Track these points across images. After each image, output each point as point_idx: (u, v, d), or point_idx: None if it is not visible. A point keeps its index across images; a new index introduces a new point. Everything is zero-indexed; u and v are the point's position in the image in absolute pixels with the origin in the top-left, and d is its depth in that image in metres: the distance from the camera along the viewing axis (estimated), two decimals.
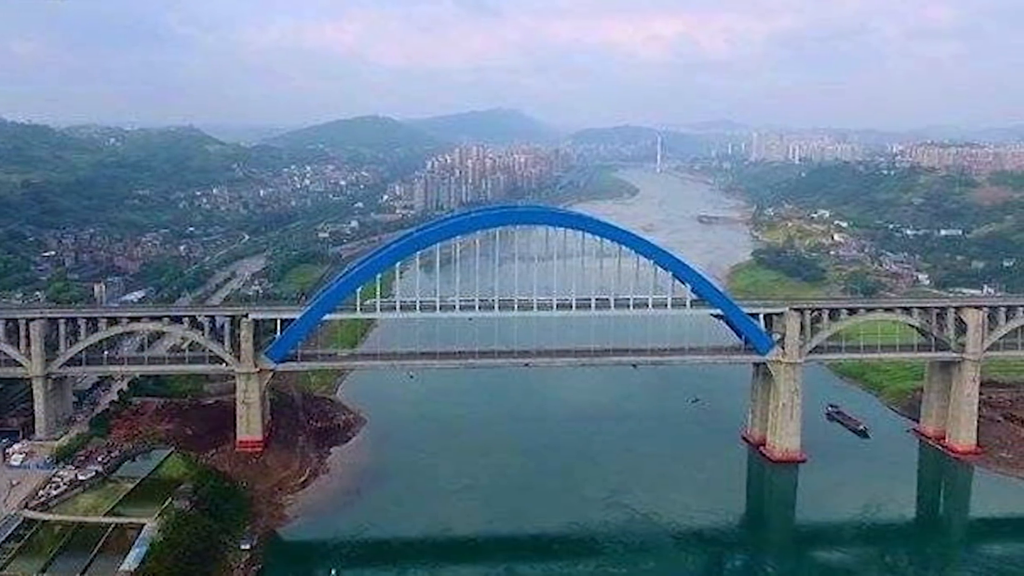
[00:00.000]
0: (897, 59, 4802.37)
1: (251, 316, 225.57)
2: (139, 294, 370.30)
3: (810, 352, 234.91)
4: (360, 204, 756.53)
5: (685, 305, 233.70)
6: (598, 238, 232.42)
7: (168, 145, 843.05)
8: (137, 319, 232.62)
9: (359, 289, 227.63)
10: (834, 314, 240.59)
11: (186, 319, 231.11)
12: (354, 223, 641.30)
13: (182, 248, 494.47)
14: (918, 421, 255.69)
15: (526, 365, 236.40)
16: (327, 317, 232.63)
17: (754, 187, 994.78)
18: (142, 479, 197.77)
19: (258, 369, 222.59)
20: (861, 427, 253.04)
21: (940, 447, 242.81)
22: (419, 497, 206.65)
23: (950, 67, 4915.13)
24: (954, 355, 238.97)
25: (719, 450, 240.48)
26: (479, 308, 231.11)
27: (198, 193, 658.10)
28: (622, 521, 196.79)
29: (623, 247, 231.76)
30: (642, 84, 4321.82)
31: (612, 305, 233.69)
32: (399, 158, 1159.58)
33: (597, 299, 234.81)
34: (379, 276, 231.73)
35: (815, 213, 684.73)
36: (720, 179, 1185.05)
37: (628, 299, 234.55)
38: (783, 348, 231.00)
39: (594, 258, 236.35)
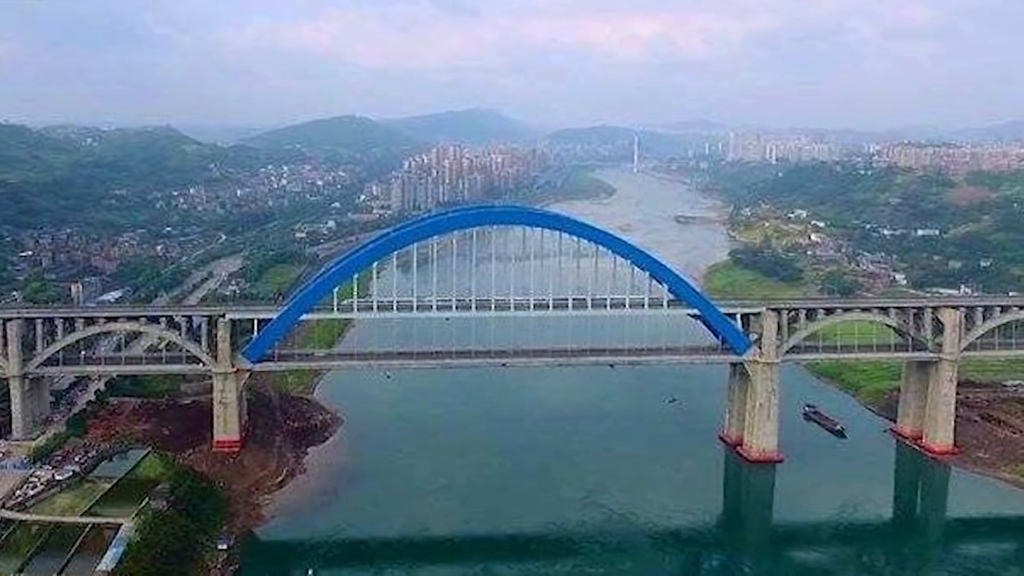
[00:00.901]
0: (874, 59, 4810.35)
1: (228, 316, 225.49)
2: (116, 294, 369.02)
3: (787, 352, 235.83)
4: (337, 204, 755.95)
5: (662, 305, 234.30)
6: (575, 238, 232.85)
7: (145, 145, 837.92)
8: (114, 319, 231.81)
9: (336, 289, 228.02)
10: (811, 314, 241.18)
11: (163, 319, 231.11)
12: (331, 223, 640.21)
13: (159, 248, 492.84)
14: (895, 421, 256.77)
15: (503, 365, 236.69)
16: (304, 317, 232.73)
17: (731, 187, 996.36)
18: (119, 479, 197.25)
19: (235, 369, 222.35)
20: (838, 427, 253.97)
21: (917, 447, 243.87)
22: (396, 497, 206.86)
23: (927, 67, 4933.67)
24: (931, 355, 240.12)
25: (696, 450, 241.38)
26: (456, 308, 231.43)
27: (175, 193, 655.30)
28: (599, 521, 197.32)
29: (600, 247, 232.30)
30: (619, 84, 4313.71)
31: (589, 305, 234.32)
32: (376, 158, 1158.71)
33: (574, 299, 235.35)
34: (356, 276, 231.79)
35: (792, 213, 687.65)
36: (697, 179, 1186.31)
37: (605, 299, 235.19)
38: (760, 348, 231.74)
39: (571, 258, 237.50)
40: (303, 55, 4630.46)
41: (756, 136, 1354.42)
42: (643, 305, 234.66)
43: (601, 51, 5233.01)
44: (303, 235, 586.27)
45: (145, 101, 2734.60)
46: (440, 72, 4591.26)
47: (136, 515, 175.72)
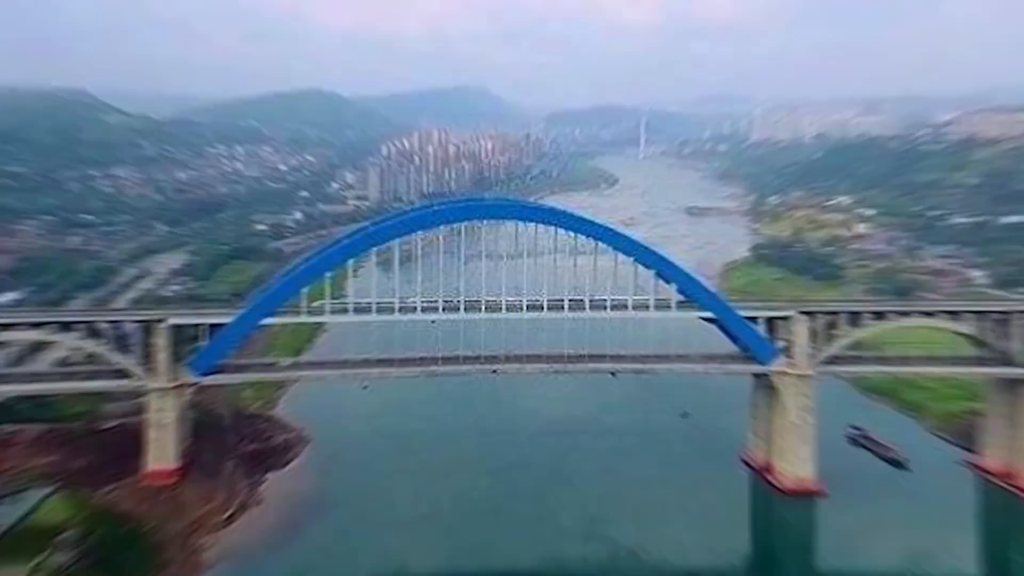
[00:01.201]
0: (952, 1, 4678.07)
1: (170, 321, 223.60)
2: (13, 295, 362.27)
3: (825, 363, 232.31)
4: (305, 193, 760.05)
5: (670, 307, 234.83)
6: (572, 234, 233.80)
7: (50, 111, 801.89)
8: (9, 326, 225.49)
9: (305, 290, 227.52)
10: (855, 319, 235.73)
11: (81, 326, 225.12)
12: (298, 215, 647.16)
13: (75, 240, 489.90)
14: (974, 452, 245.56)
15: (494, 372, 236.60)
16: (266, 321, 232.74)
17: (755, 172, 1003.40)
18: (10, 527, 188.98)
19: (177, 383, 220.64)
20: (896, 456, 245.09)
21: (1009, 486, 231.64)
22: (369, 529, 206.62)
23: None
24: (1020, 372, 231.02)
25: (715, 475, 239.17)
26: (443, 310, 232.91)
27: (95, 173, 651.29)
28: (604, 557, 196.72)
29: (600, 243, 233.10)
30: (626, 55, 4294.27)
31: (587, 307, 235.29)
32: (349, 141, 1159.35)
33: (571, 300, 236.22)
34: (329, 275, 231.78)
35: (831, 200, 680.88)
36: (714, 164, 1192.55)
37: (605, 300, 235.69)
38: (790, 358, 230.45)
39: (568, 256, 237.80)
40: (257, 11, 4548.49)
41: (789, 111, 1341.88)
42: (648, 307, 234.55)
43: (606, 16, 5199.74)
44: (264, 227, 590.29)
45: (47, 56, 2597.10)
46: (421, 41, 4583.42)
47: (30, 574, 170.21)
